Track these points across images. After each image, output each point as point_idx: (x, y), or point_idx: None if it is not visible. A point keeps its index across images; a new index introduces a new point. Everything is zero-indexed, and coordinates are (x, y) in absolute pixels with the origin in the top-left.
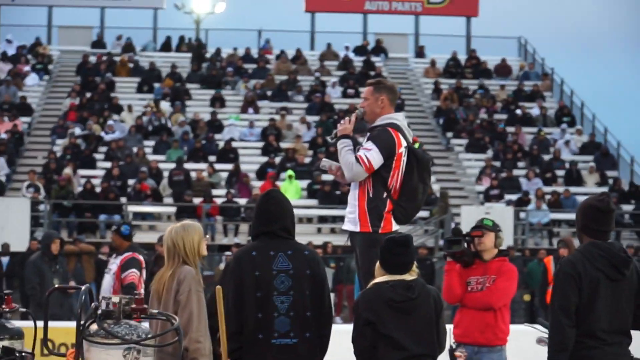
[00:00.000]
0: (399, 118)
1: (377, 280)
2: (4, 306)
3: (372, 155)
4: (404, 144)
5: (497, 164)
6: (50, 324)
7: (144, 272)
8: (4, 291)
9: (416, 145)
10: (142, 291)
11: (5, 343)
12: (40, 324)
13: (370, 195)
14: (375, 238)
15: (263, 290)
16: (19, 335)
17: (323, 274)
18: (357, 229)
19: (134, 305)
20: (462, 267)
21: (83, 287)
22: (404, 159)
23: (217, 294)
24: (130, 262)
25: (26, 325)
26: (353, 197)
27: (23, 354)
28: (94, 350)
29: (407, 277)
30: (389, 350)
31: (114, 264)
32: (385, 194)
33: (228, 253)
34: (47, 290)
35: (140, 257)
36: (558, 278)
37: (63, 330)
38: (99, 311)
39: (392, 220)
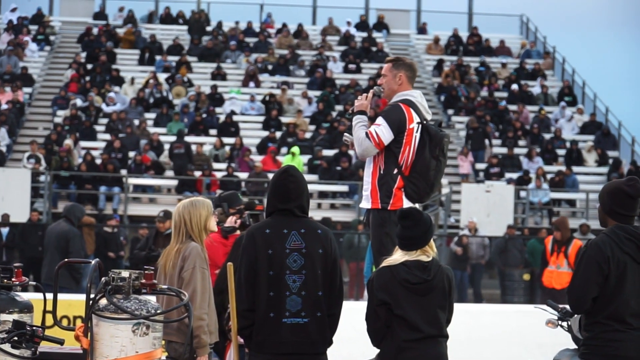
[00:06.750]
0: (415, 95)
1: (392, 258)
2: (13, 279)
3: (382, 130)
4: (416, 119)
5: (498, 142)
6: (59, 296)
7: None
8: (15, 264)
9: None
10: None
11: (15, 316)
12: (49, 297)
13: (382, 171)
14: (384, 216)
15: (275, 269)
16: (29, 309)
17: (335, 253)
18: (369, 206)
19: (143, 280)
20: None
21: (93, 262)
22: (416, 135)
23: (228, 271)
24: None
25: (35, 297)
26: (367, 174)
27: (34, 327)
28: (103, 325)
29: (424, 257)
30: (402, 331)
31: None
32: (395, 170)
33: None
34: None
35: None
36: (582, 261)
37: (68, 302)
38: (109, 286)
39: (403, 197)
